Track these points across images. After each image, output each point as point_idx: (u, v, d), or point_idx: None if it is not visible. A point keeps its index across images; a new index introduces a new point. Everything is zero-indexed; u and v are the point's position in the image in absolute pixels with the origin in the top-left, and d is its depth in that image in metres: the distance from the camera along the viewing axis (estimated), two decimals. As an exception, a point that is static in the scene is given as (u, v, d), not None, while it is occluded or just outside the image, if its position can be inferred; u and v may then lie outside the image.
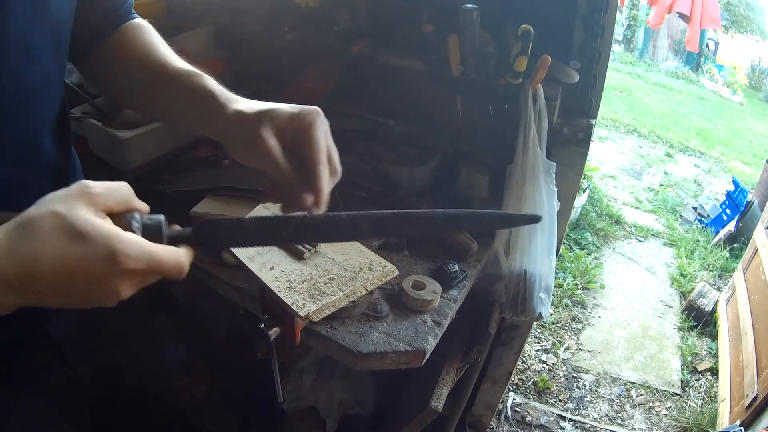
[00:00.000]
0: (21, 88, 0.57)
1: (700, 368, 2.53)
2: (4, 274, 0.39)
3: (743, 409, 1.87)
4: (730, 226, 3.53)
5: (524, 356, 2.42)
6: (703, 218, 3.94)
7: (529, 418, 2.11)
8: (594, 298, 2.92)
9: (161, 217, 0.48)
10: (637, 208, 4.14)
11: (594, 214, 3.69)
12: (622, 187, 4.50)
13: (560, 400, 2.23)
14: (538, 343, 2.54)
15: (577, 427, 2.11)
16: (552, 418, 2.13)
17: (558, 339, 2.59)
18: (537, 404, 2.19)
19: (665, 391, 2.38)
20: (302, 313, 0.82)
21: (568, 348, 2.54)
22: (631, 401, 2.30)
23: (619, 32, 9.55)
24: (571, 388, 2.30)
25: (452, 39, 1.17)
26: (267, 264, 0.92)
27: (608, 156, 5.08)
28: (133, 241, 0.43)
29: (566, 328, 2.67)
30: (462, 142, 1.38)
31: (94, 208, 0.43)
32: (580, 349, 2.55)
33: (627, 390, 2.35)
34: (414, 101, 1.45)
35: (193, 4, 1.64)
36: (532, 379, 2.31)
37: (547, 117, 1.15)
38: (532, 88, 1.13)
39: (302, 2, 1.40)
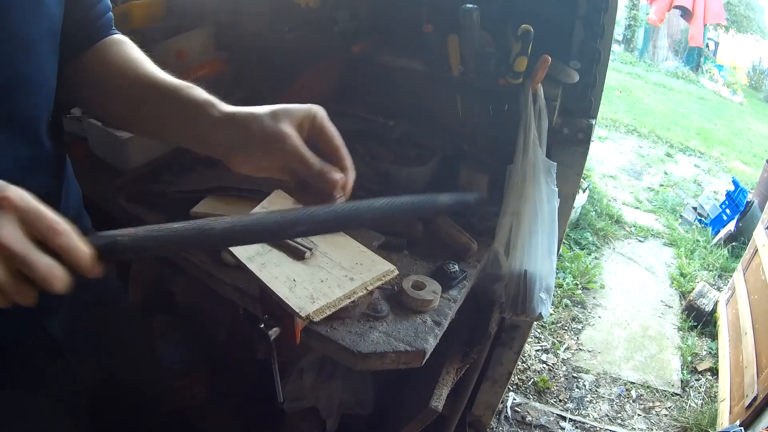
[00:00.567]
0: (19, 79, 0.58)
1: (700, 368, 2.53)
2: None
3: (743, 409, 1.87)
4: (730, 226, 3.53)
5: (524, 356, 2.42)
6: (703, 218, 3.94)
7: (529, 418, 2.11)
8: (594, 298, 2.92)
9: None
10: (637, 208, 4.14)
11: (594, 213, 3.69)
12: (622, 187, 4.49)
13: (560, 400, 2.23)
14: (538, 343, 2.54)
15: (577, 427, 2.11)
16: (552, 418, 2.13)
17: (558, 339, 2.59)
18: (537, 404, 2.19)
19: (665, 391, 2.38)
20: (302, 313, 0.82)
21: (568, 348, 2.54)
22: (631, 401, 2.30)
23: (619, 32, 9.55)
24: (571, 388, 2.30)
25: (452, 39, 1.17)
26: (267, 264, 0.92)
27: (608, 156, 5.08)
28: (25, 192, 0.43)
29: (566, 328, 2.67)
30: (462, 142, 1.38)
31: None
32: (580, 349, 2.55)
33: (627, 390, 2.35)
34: (414, 101, 1.45)
35: (193, 5, 1.64)
36: (532, 379, 2.31)
37: (547, 117, 1.15)
38: (532, 88, 1.13)
39: (302, 2, 1.40)
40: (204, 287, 1.09)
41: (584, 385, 2.33)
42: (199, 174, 1.30)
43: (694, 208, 4.11)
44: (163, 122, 0.65)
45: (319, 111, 0.59)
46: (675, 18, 6.99)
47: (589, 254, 3.29)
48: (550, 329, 2.64)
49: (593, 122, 1.23)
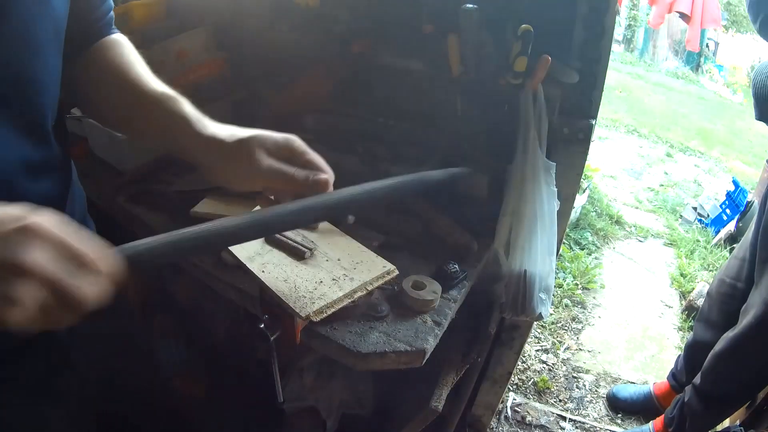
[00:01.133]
0: (27, 79, 0.58)
1: (700, 368, 2.53)
2: None
3: (743, 408, 1.87)
4: (730, 226, 3.52)
5: (524, 356, 2.42)
6: (703, 218, 3.94)
7: (529, 418, 2.11)
8: (594, 298, 2.92)
9: None
10: (637, 208, 4.14)
11: (594, 214, 3.69)
12: (622, 187, 4.49)
13: (560, 400, 2.23)
14: (538, 343, 2.54)
15: (577, 427, 2.11)
16: (552, 418, 2.13)
17: (558, 339, 2.59)
18: (537, 404, 2.19)
19: (665, 391, 2.38)
20: (302, 314, 0.82)
21: (568, 348, 2.54)
22: (631, 401, 2.29)
23: (619, 32, 9.54)
24: (571, 388, 2.30)
25: (452, 39, 1.17)
26: (267, 264, 0.92)
27: (608, 156, 5.08)
28: (52, 215, 0.43)
29: (566, 328, 2.67)
30: (462, 142, 1.38)
31: None
32: (580, 349, 2.55)
33: (627, 390, 2.35)
34: (414, 101, 1.45)
35: (193, 5, 1.64)
36: (532, 379, 2.31)
37: (547, 117, 1.15)
38: (532, 88, 1.13)
39: (302, 2, 1.40)
40: (204, 287, 1.09)
41: (584, 385, 2.33)
42: (199, 174, 1.29)
43: (694, 208, 4.11)
44: (146, 130, 0.68)
45: (298, 141, 0.63)
46: (675, 18, 6.99)
47: (589, 254, 3.29)
48: (550, 329, 2.64)
49: (593, 122, 1.23)
